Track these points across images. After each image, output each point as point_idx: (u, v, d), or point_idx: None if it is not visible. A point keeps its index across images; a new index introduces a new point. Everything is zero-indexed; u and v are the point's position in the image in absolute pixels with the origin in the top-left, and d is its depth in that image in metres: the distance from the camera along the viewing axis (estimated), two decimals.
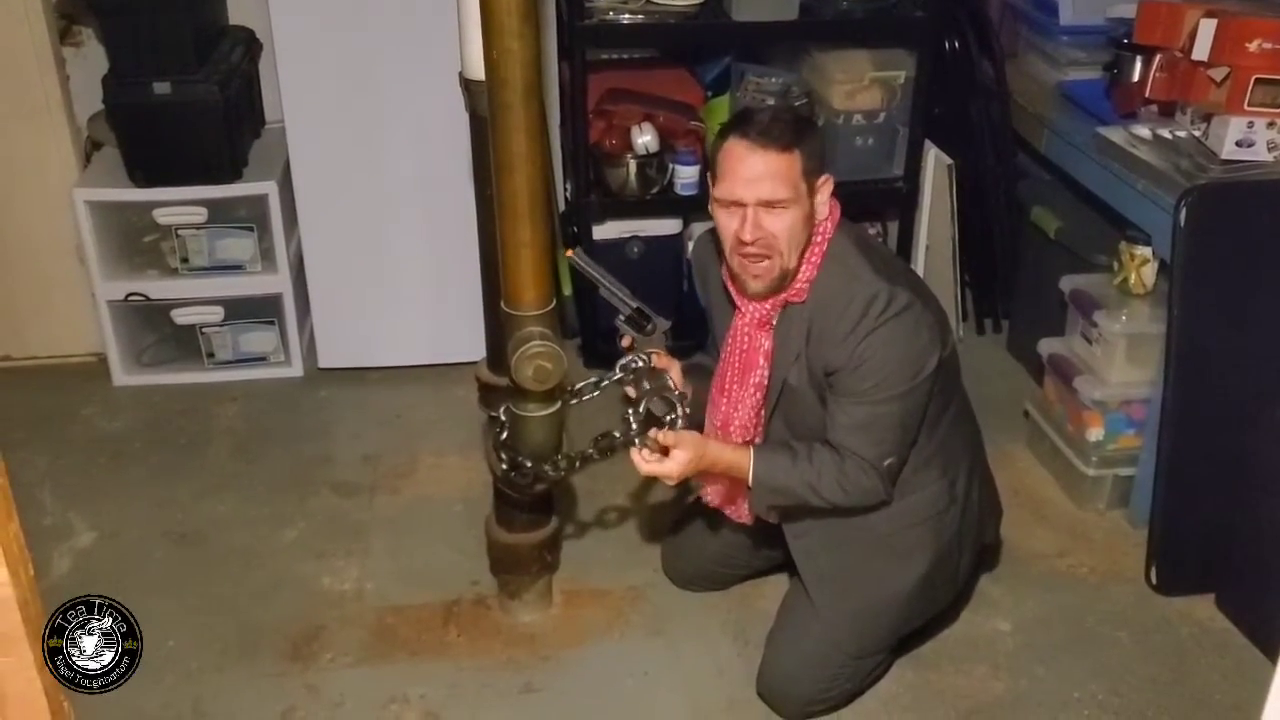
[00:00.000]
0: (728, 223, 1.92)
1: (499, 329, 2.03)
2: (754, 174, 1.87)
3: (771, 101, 2.97)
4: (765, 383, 2.04)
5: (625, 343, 2.08)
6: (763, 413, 2.08)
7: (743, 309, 2.03)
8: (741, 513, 2.19)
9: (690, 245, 3.16)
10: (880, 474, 1.96)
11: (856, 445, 1.94)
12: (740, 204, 1.89)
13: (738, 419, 2.09)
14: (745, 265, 1.94)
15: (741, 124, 1.92)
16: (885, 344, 1.90)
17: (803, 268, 1.95)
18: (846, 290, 1.93)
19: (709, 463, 1.95)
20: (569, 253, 2.07)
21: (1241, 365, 2.37)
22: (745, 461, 1.97)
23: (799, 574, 2.17)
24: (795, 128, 1.90)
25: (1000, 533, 2.38)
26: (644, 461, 1.92)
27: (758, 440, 2.09)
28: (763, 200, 1.87)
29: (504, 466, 2.07)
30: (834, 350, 1.93)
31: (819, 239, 1.96)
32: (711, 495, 2.20)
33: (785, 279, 1.95)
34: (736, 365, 2.07)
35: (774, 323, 2.01)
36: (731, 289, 2.03)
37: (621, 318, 2.06)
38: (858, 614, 2.12)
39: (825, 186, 1.95)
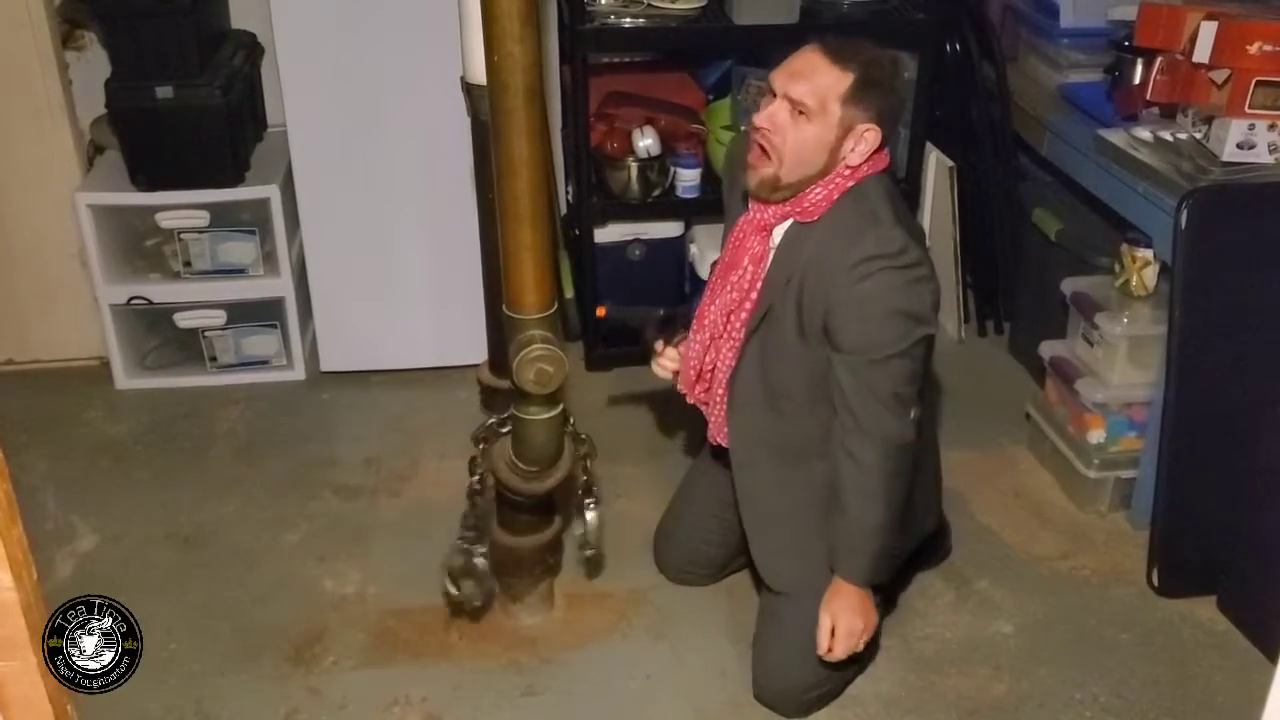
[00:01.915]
0: (763, 106, 1.94)
1: (500, 332, 2.04)
2: (796, 69, 1.89)
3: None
4: (746, 287, 2.03)
5: (659, 347, 2.25)
6: (736, 321, 2.06)
7: (750, 209, 2.03)
8: (710, 419, 2.21)
9: (691, 247, 3.18)
10: (906, 424, 1.97)
11: (879, 404, 1.94)
12: (773, 93, 1.91)
13: (710, 314, 2.10)
14: (753, 152, 1.95)
15: (829, 36, 1.94)
16: (889, 289, 1.89)
17: (817, 189, 1.93)
18: (862, 226, 1.91)
19: (852, 597, 2.03)
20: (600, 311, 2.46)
21: (1243, 367, 2.37)
22: (843, 576, 2.04)
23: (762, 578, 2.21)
24: (865, 58, 1.89)
25: (945, 520, 2.44)
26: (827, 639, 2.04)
27: (728, 343, 2.09)
28: (789, 97, 1.88)
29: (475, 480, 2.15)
30: (834, 286, 1.90)
31: (847, 172, 1.93)
32: (681, 383, 2.23)
33: (776, 189, 1.94)
34: (725, 260, 2.09)
35: (774, 234, 2.01)
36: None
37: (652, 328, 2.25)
38: (786, 561, 2.15)
39: (868, 136, 1.90)
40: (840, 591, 2.03)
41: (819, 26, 2.89)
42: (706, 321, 2.11)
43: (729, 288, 2.05)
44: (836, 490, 2.02)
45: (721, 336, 2.09)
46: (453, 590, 2.18)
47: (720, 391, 2.14)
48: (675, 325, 2.25)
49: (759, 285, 2.02)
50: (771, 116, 1.90)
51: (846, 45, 1.90)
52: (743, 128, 2.66)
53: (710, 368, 2.14)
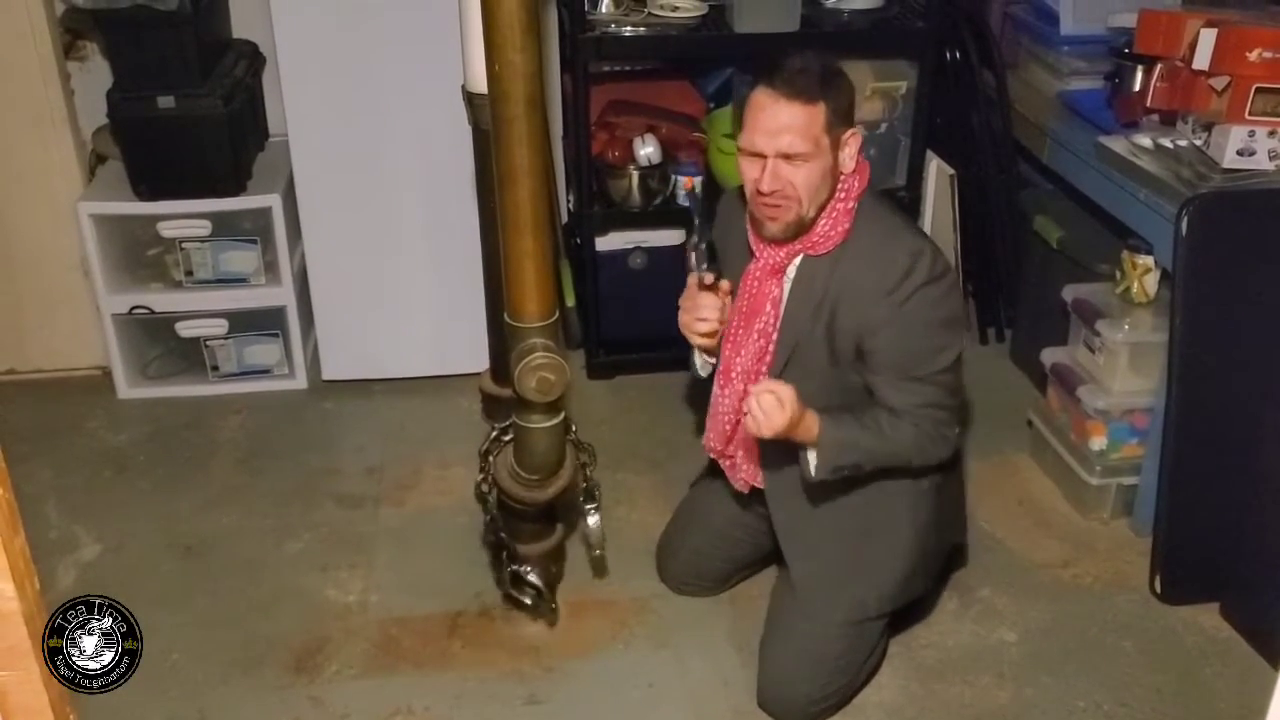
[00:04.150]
0: (749, 171, 1.93)
1: (502, 340, 2.04)
2: (776, 125, 1.88)
3: None
4: (771, 331, 2.05)
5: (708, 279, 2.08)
6: (766, 365, 2.07)
7: (758, 255, 2.04)
8: (736, 471, 2.21)
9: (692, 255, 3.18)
10: (948, 442, 2.01)
11: (925, 417, 1.98)
12: (761, 155, 1.90)
13: (740, 364, 2.10)
14: (763, 209, 1.95)
15: (770, 73, 1.90)
16: (930, 303, 1.92)
17: (822, 220, 1.96)
18: (887, 247, 1.94)
19: (801, 413, 1.93)
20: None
21: (1244, 373, 2.37)
22: (817, 424, 1.97)
23: (781, 555, 2.20)
24: (822, 80, 1.89)
25: (966, 527, 2.42)
26: (761, 403, 1.88)
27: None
28: (782, 153, 1.88)
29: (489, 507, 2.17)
30: (874, 308, 1.93)
31: (843, 194, 1.96)
32: (714, 440, 2.21)
33: (802, 227, 1.95)
34: (744, 310, 2.08)
35: (787, 272, 2.02)
36: (751, 236, 2.05)
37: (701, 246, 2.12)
38: (832, 590, 2.14)
39: (852, 141, 1.94)
40: (805, 419, 1.93)
41: (819, 35, 2.91)
42: (735, 374, 2.11)
43: (755, 335, 2.06)
44: (869, 409, 2.00)
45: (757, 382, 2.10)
46: (526, 601, 2.24)
47: (749, 439, 2.14)
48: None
49: (780, 325, 2.05)
50: (775, 177, 1.90)
51: (794, 76, 1.88)
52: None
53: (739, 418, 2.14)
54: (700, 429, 2.88)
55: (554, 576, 2.35)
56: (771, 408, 1.87)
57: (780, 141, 1.87)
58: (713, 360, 2.18)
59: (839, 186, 1.96)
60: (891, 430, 1.98)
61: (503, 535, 2.22)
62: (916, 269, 1.91)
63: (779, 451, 2.12)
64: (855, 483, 2.09)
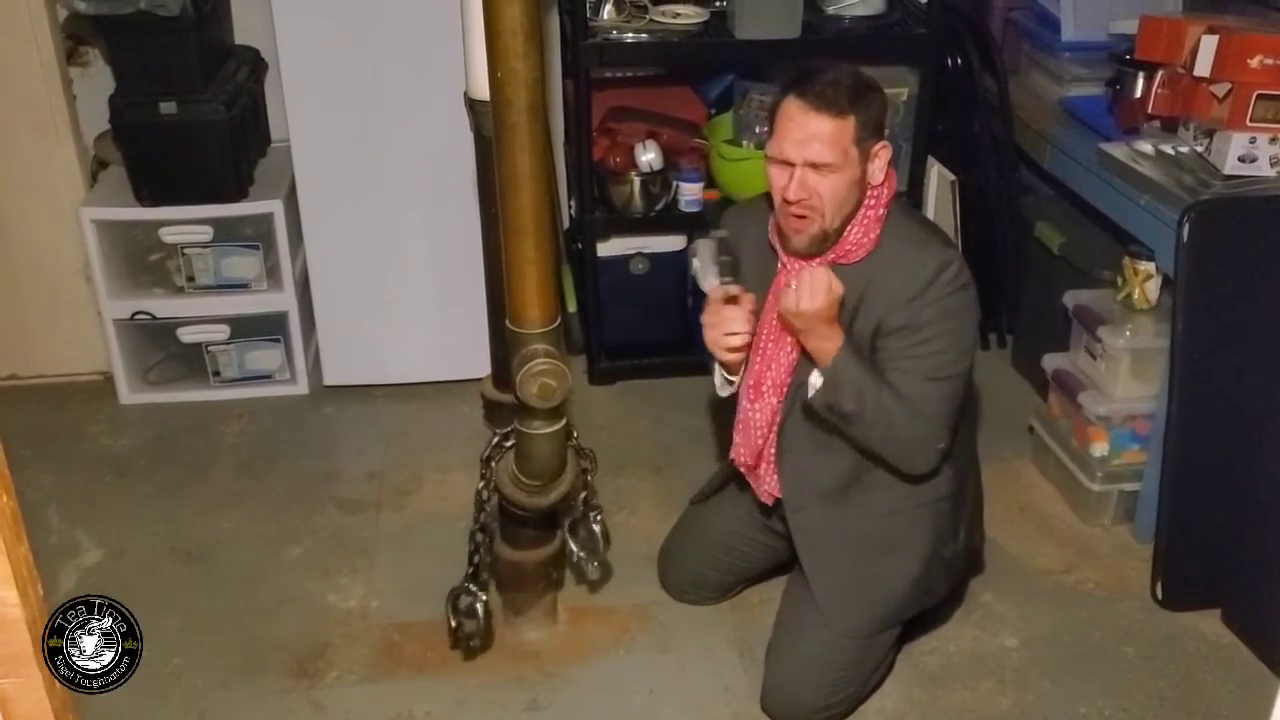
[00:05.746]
0: (777, 178, 1.94)
1: (504, 346, 2.04)
2: (804, 135, 1.88)
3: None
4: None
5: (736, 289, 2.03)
6: (789, 375, 2.07)
7: (788, 264, 2.03)
8: (761, 483, 2.20)
9: (693, 261, 3.18)
10: (931, 454, 2.01)
11: (929, 413, 1.98)
12: (788, 163, 1.91)
13: (771, 377, 2.09)
14: (789, 221, 1.96)
15: (800, 83, 1.91)
16: (950, 314, 1.94)
17: (852, 230, 1.97)
18: (917, 255, 1.95)
19: (834, 316, 1.92)
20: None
21: (1246, 379, 2.37)
22: (841, 341, 1.94)
23: (795, 555, 2.18)
24: (853, 93, 1.90)
25: (984, 535, 2.41)
26: (814, 278, 1.89)
27: (782, 403, 2.09)
28: (809, 162, 1.89)
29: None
30: (896, 311, 1.94)
31: (872, 203, 1.97)
32: (745, 454, 2.19)
33: (826, 239, 1.96)
34: (775, 322, 2.05)
35: None
36: (777, 244, 2.05)
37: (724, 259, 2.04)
38: (853, 601, 2.13)
39: (882, 153, 1.95)
40: (835, 326, 1.94)
41: (820, 41, 2.91)
42: (767, 387, 2.09)
43: (788, 346, 2.05)
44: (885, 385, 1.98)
45: (784, 394, 2.09)
46: (453, 623, 2.19)
47: (771, 450, 2.14)
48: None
49: None
50: (801, 185, 1.90)
51: (825, 87, 1.89)
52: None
53: (771, 431, 2.13)
54: (702, 434, 2.90)
55: (555, 583, 2.36)
56: (820, 287, 1.89)
57: (808, 150, 1.88)
58: (734, 379, 2.16)
59: (868, 195, 1.97)
60: (892, 402, 1.94)
61: (478, 544, 2.18)
62: (940, 279, 1.92)
63: (802, 464, 2.12)
64: (875, 493, 2.08)
